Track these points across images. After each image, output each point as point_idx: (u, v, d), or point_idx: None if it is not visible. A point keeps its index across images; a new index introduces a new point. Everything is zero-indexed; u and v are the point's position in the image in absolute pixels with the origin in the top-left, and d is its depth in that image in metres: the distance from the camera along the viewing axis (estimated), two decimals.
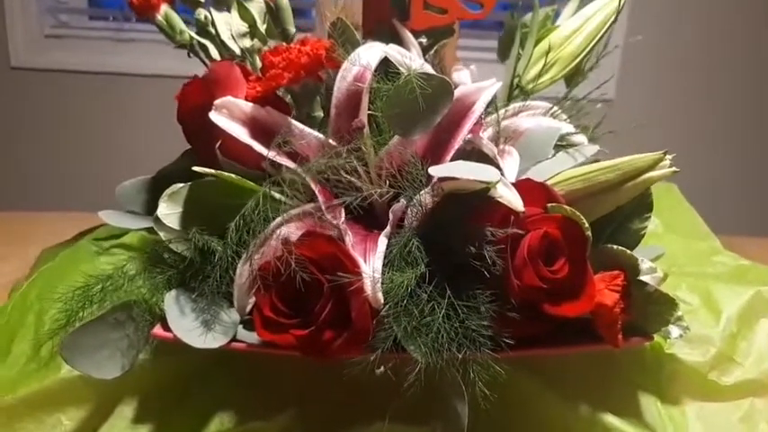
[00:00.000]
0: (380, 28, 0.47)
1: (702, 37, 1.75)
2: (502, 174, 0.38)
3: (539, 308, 0.36)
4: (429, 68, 0.42)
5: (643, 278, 0.40)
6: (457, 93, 0.40)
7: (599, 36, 0.52)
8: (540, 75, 0.52)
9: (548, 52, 0.51)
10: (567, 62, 0.51)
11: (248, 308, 0.39)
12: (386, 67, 0.43)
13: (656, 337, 0.40)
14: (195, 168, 0.40)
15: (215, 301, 0.39)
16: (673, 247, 0.52)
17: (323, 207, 0.39)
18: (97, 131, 1.79)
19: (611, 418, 0.40)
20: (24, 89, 1.76)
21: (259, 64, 0.53)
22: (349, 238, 0.37)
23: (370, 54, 0.42)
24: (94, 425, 0.40)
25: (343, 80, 0.42)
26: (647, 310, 0.39)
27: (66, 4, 1.86)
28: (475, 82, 0.51)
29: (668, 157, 0.37)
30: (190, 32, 0.52)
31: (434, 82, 0.37)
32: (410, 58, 0.43)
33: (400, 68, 0.42)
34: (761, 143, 1.84)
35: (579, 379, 0.41)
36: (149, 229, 0.50)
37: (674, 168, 0.37)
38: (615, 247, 0.39)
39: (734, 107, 1.82)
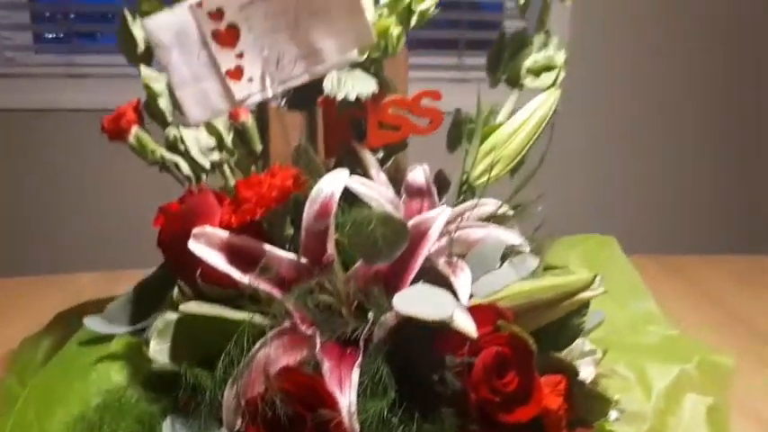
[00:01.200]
0: (342, 149, 0.51)
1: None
2: (456, 296, 0.44)
3: (494, 417, 0.42)
4: (389, 199, 0.47)
5: (583, 361, 0.47)
6: (414, 221, 0.45)
7: (537, 133, 0.57)
8: (486, 172, 0.57)
9: (492, 150, 0.57)
10: (510, 159, 0.57)
11: (237, 426, 0.44)
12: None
13: None
14: (182, 308, 0.44)
15: (207, 424, 0.44)
16: (612, 312, 0.58)
17: (300, 328, 0.44)
18: (53, 170, 1.78)
19: None
20: None
21: (228, 174, 0.57)
22: (326, 367, 0.42)
23: (333, 184, 0.47)
24: None
25: (311, 208, 0.47)
26: (588, 404, 0.45)
27: (11, 40, 1.83)
28: (427, 178, 0.57)
29: (598, 279, 0.43)
30: (161, 150, 0.55)
31: (393, 225, 0.42)
32: (371, 187, 0.48)
33: (362, 198, 0.47)
34: (707, 159, 1.97)
35: None
36: (134, 333, 0.55)
37: (603, 290, 0.43)
38: (556, 355, 0.45)
39: (677, 123, 1.94)
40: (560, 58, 0.58)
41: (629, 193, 1.95)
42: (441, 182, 0.60)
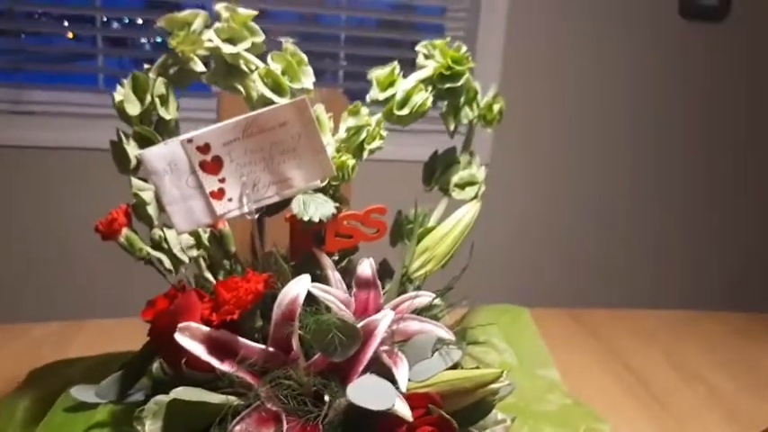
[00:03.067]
0: (305, 254, 0.62)
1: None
2: (397, 385, 0.55)
3: None
4: (342, 300, 0.59)
5: (494, 429, 0.60)
6: (363, 322, 0.57)
7: (463, 237, 0.70)
8: (422, 267, 0.69)
9: (427, 250, 0.69)
10: (441, 259, 0.69)
11: None
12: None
13: None
14: (172, 394, 0.54)
15: None
16: (521, 380, 0.71)
17: (269, 407, 0.55)
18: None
19: None
20: None
21: (203, 266, 0.67)
22: None
23: (297, 289, 0.57)
24: None
25: (279, 309, 0.57)
26: None
27: None
28: (373, 271, 0.68)
29: (505, 373, 0.55)
30: (147, 248, 0.64)
31: (348, 330, 0.53)
32: (328, 291, 0.59)
33: (323, 302, 0.58)
34: (614, 212, 2.21)
35: None
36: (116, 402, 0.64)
37: (510, 383, 0.56)
38: (473, 430, 0.57)
39: (593, 177, 2.17)
40: (481, 175, 0.71)
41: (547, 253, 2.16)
42: (385, 270, 0.72)
